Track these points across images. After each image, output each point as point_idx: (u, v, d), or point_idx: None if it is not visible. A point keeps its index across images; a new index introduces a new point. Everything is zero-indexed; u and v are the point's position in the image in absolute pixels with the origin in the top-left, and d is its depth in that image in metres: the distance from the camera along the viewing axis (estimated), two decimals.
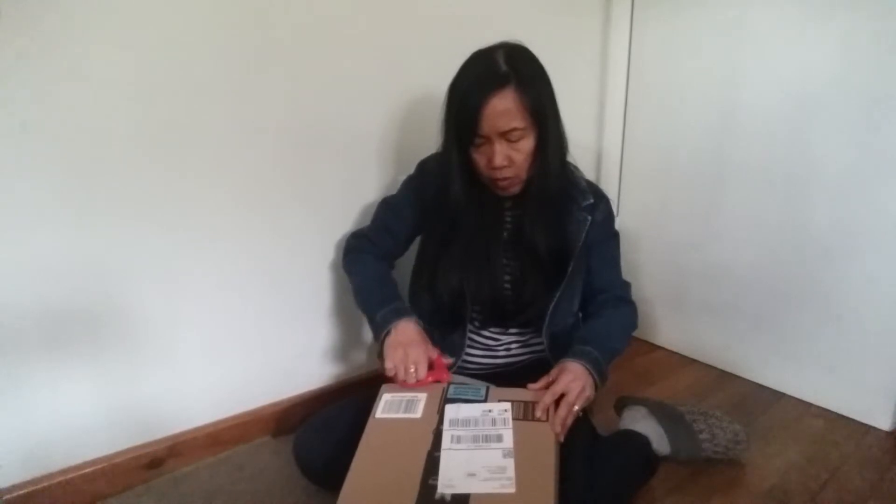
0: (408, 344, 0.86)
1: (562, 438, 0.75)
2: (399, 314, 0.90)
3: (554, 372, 0.83)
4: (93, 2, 0.81)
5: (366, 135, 1.16)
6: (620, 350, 0.93)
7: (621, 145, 1.58)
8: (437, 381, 0.84)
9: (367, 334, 1.27)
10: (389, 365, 0.84)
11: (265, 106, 1.01)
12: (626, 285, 1.02)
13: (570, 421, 0.77)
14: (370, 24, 1.10)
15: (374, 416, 0.79)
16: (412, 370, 0.83)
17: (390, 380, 0.85)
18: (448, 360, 0.90)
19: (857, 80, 1.09)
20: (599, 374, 0.84)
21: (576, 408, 0.78)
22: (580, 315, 1.02)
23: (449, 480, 0.66)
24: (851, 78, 1.10)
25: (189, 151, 0.95)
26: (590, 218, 0.93)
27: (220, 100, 0.96)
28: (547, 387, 0.80)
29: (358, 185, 1.17)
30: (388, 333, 0.88)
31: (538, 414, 0.76)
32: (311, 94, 1.06)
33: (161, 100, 0.90)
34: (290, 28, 1.01)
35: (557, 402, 0.78)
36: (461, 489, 0.65)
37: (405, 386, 0.83)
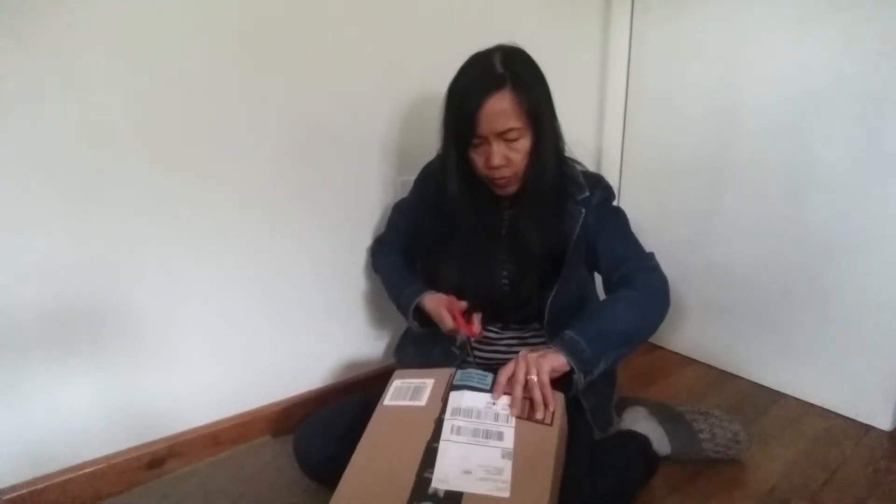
0: (438, 299, 0.93)
1: (550, 408, 0.74)
2: (420, 291, 0.96)
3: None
4: (92, 3, 0.81)
5: (368, 135, 1.16)
6: (622, 327, 0.84)
7: (621, 145, 1.58)
8: (469, 334, 0.88)
9: (369, 334, 1.28)
10: (438, 314, 0.91)
11: (266, 106, 1.01)
12: (643, 255, 0.94)
13: (538, 397, 0.74)
14: (371, 24, 1.10)
15: (382, 404, 0.79)
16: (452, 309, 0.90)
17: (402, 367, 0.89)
18: (462, 304, 0.93)
19: (857, 79, 1.09)
20: (572, 351, 0.78)
21: (532, 376, 0.74)
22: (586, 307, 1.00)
23: (444, 475, 0.66)
24: (852, 77, 1.10)
25: (190, 151, 0.95)
26: (584, 210, 0.92)
27: (221, 100, 0.96)
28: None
29: (361, 185, 1.17)
30: (417, 307, 0.95)
31: (514, 414, 0.74)
32: (312, 94, 1.06)
33: (161, 99, 0.90)
34: (291, 28, 1.00)
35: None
36: (455, 486, 0.64)
37: (457, 321, 0.88)
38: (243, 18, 0.95)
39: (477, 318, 0.91)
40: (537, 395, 0.74)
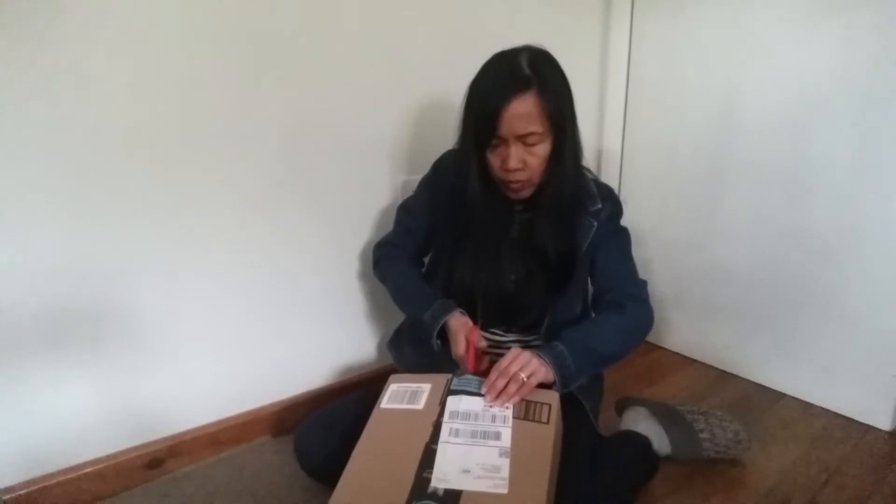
0: (462, 323, 0.90)
1: (507, 403, 0.76)
2: (445, 311, 0.91)
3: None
4: (96, 6, 0.81)
5: (370, 136, 1.16)
6: (606, 351, 0.88)
7: (621, 145, 1.58)
8: (473, 372, 0.86)
9: (369, 334, 1.28)
10: (455, 336, 0.88)
11: (270, 106, 1.01)
12: (638, 283, 0.96)
13: (513, 390, 0.76)
14: (373, 24, 1.10)
15: (378, 407, 0.80)
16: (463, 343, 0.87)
17: (394, 371, 0.88)
18: (482, 343, 0.91)
19: (857, 80, 1.09)
20: (559, 367, 0.80)
21: (520, 375, 0.76)
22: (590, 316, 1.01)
23: (443, 475, 0.67)
24: (852, 77, 1.10)
25: (192, 151, 0.95)
26: (595, 223, 0.92)
27: (223, 101, 0.96)
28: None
29: (362, 186, 1.17)
30: (442, 327, 0.91)
31: (488, 399, 0.77)
32: (313, 95, 1.06)
33: (163, 99, 0.90)
34: (296, 28, 1.01)
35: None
36: (454, 485, 0.65)
37: (468, 354, 0.86)
38: (247, 19, 0.95)
39: (488, 361, 0.91)
40: (499, 383, 0.76)
